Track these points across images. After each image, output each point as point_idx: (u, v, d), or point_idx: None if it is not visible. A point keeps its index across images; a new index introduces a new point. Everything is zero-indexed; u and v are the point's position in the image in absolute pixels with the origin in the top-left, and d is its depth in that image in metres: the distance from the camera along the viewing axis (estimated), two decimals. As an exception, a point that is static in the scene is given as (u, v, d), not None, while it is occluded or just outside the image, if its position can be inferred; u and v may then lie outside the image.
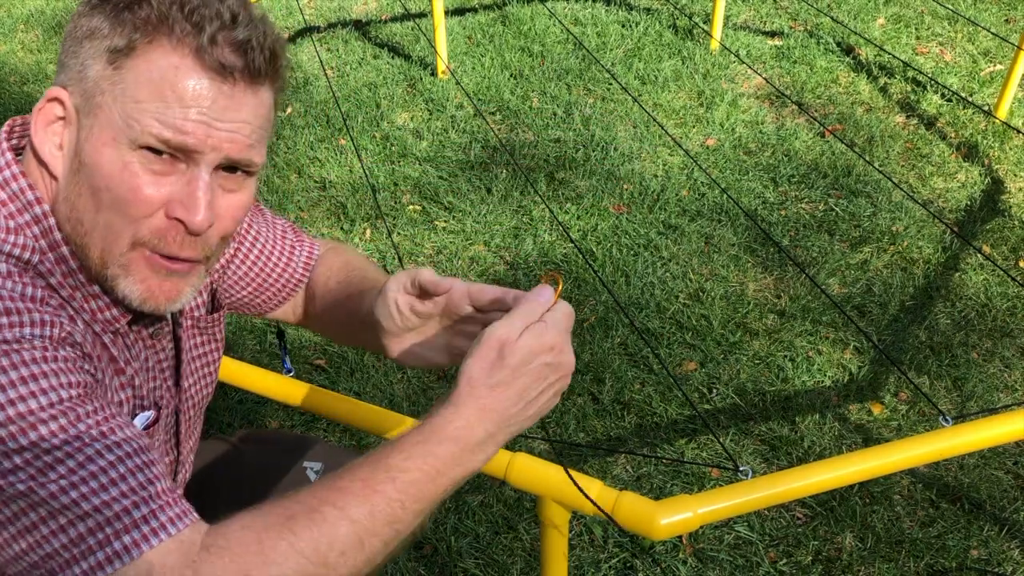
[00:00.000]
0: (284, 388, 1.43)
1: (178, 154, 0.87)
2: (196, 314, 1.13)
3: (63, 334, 0.85)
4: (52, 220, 0.90)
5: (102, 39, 0.86)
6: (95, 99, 0.87)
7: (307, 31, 4.37)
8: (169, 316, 1.07)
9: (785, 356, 2.48)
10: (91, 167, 0.87)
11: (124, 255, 0.90)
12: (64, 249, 0.91)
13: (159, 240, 0.89)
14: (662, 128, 3.44)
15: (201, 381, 1.17)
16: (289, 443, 1.49)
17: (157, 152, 0.87)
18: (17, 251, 0.88)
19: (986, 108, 3.50)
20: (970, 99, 3.57)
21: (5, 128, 0.96)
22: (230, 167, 0.91)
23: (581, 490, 1.17)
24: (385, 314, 1.03)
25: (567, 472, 1.19)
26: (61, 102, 0.89)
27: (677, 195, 3.11)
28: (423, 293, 1.01)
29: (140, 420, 1.01)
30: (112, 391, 0.95)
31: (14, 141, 0.96)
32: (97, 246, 0.89)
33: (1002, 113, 3.38)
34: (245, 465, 1.40)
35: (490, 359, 0.86)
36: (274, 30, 0.92)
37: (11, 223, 0.89)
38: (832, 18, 3.85)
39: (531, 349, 0.86)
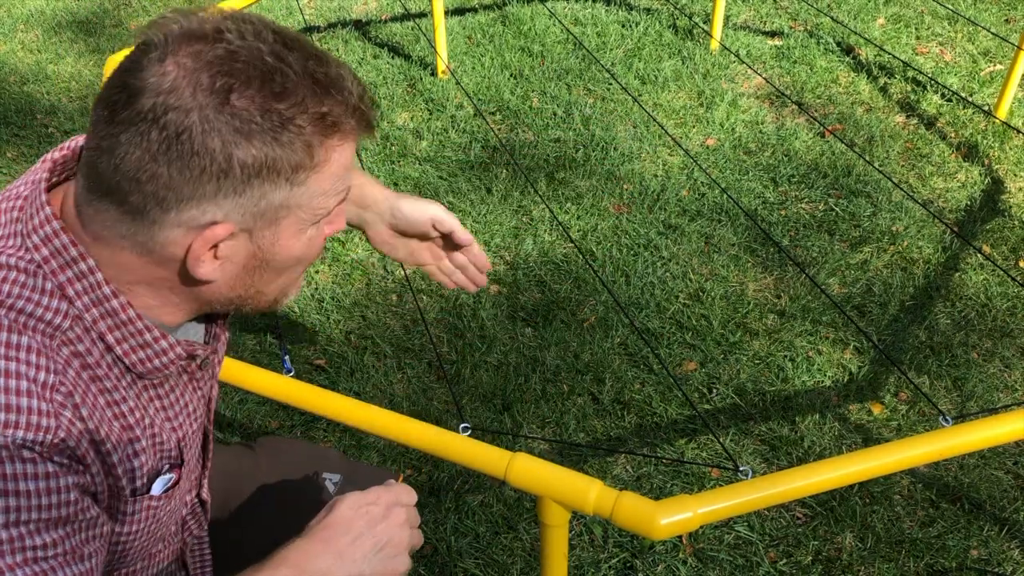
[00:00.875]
0: (284, 388, 1.43)
1: None
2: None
3: (56, 440, 0.83)
4: (100, 275, 0.87)
5: (278, 171, 0.85)
6: (279, 214, 0.88)
7: (307, 31, 4.37)
8: (202, 339, 1.06)
9: (785, 356, 2.48)
10: (281, 260, 0.92)
11: (294, 283, 0.99)
12: (116, 302, 0.88)
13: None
14: (662, 128, 3.44)
15: (216, 384, 1.17)
16: (309, 453, 1.50)
17: None
18: (49, 315, 0.86)
19: (986, 108, 3.50)
20: (970, 99, 3.57)
21: (47, 170, 0.91)
22: None
23: (581, 490, 1.17)
24: (406, 220, 1.32)
25: (567, 472, 1.19)
26: (226, 236, 0.87)
27: (677, 195, 3.11)
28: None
29: (160, 484, 0.99)
30: (121, 470, 0.93)
31: (54, 179, 0.93)
32: (274, 295, 0.97)
33: (1002, 113, 3.38)
34: (265, 472, 1.41)
35: (320, 515, 1.01)
36: None
37: (50, 283, 0.86)
38: (832, 18, 3.85)
39: (350, 502, 1.01)
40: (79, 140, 0.94)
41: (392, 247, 1.36)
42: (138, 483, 0.96)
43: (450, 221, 1.33)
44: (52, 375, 0.84)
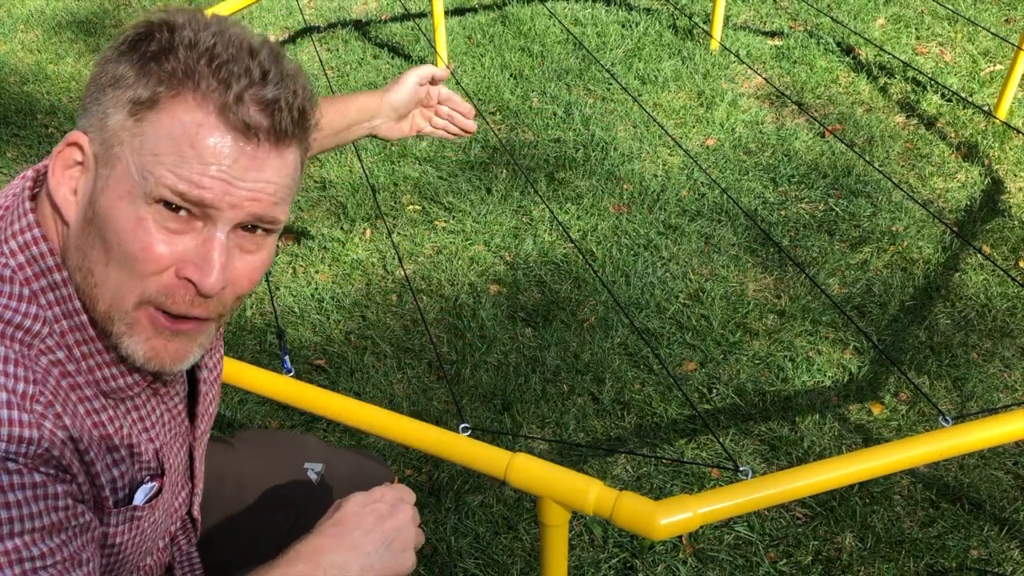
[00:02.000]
0: (284, 388, 1.43)
1: (195, 210, 0.84)
2: None
3: (40, 451, 0.82)
4: (71, 288, 0.87)
5: (126, 88, 0.84)
6: (114, 149, 0.84)
7: (307, 31, 4.37)
8: None
9: (785, 356, 2.48)
10: (104, 219, 0.84)
11: (130, 313, 0.87)
12: (84, 317, 0.88)
13: (166, 298, 0.86)
14: (662, 128, 3.44)
15: (213, 404, 1.16)
16: (289, 443, 1.49)
17: (173, 209, 0.84)
18: (28, 322, 0.85)
19: (986, 108, 3.50)
20: (970, 99, 3.57)
21: (30, 177, 0.93)
22: (250, 226, 0.88)
23: (581, 490, 1.17)
24: (403, 103, 1.54)
25: (567, 472, 1.19)
26: (80, 147, 0.87)
27: (677, 195, 3.11)
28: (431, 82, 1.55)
29: (142, 494, 0.99)
30: (104, 479, 0.93)
31: (36, 189, 0.93)
32: (105, 300, 0.87)
33: (1002, 113, 3.38)
34: (245, 465, 1.40)
35: (330, 512, 1.02)
36: (305, 86, 0.89)
37: (26, 290, 0.86)
38: (832, 18, 3.85)
39: (357, 499, 1.02)
40: None
41: (399, 130, 1.57)
42: (120, 494, 0.95)
43: (426, 69, 1.54)
44: (32, 385, 0.83)
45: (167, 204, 0.83)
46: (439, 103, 1.60)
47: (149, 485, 1.00)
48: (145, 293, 0.86)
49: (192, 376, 1.09)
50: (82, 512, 0.88)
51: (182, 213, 0.84)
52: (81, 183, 0.87)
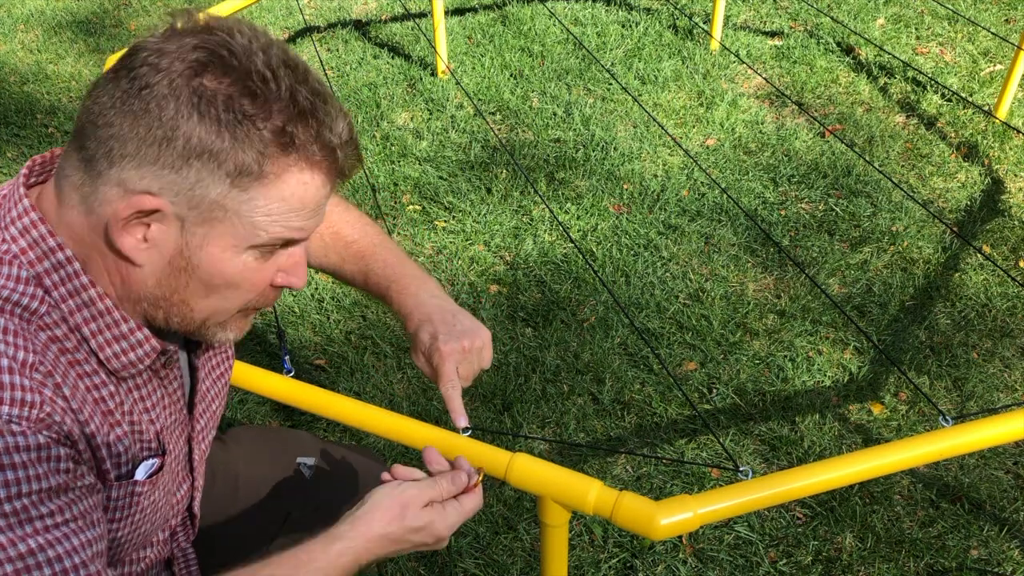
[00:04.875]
0: (284, 388, 1.43)
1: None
2: None
3: (41, 415, 0.83)
4: (77, 265, 0.89)
5: (222, 162, 0.83)
6: (214, 213, 0.86)
7: (307, 31, 4.37)
8: (180, 343, 1.06)
9: (785, 356, 2.48)
10: (209, 271, 0.89)
11: (231, 319, 0.97)
12: (93, 291, 0.90)
13: (262, 303, 0.97)
14: (662, 128, 3.44)
15: (215, 402, 1.16)
16: (281, 438, 1.49)
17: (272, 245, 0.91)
18: (26, 300, 0.86)
19: (986, 108, 3.50)
20: (970, 99, 3.57)
21: (24, 170, 0.94)
22: None
23: (581, 490, 1.17)
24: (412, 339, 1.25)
25: (567, 472, 1.19)
26: (154, 210, 0.85)
27: (677, 195, 3.11)
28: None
29: (143, 470, 1.00)
30: (105, 452, 0.94)
31: (32, 179, 0.94)
32: (203, 315, 0.94)
33: (1002, 113, 3.38)
34: (238, 460, 1.40)
35: (393, 513, 1.01)
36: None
37: (26, 272, 0.87)
38: (832, 18, 3.85)
39: (424, 526, 1.02)
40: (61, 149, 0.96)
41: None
42: (122, 468, 0.97)
43: (448, 399, 1.21)
44: (31, 354, 0.85)
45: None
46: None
47: (151, 461, 1.01)
48: (246, 305, 0.96)
49: (193, 368, 1.10)
50: (84, 474, 0.89)
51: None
52: (153, 231, 0.87)
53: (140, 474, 0.99)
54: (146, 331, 0.94)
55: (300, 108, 0.85)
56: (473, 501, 1.07)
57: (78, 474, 0.87)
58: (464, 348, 1.19)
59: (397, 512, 1.01)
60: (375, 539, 1.00)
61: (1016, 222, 2.93)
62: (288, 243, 0.93)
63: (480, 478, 1.09)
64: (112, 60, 3.19)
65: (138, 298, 0.92)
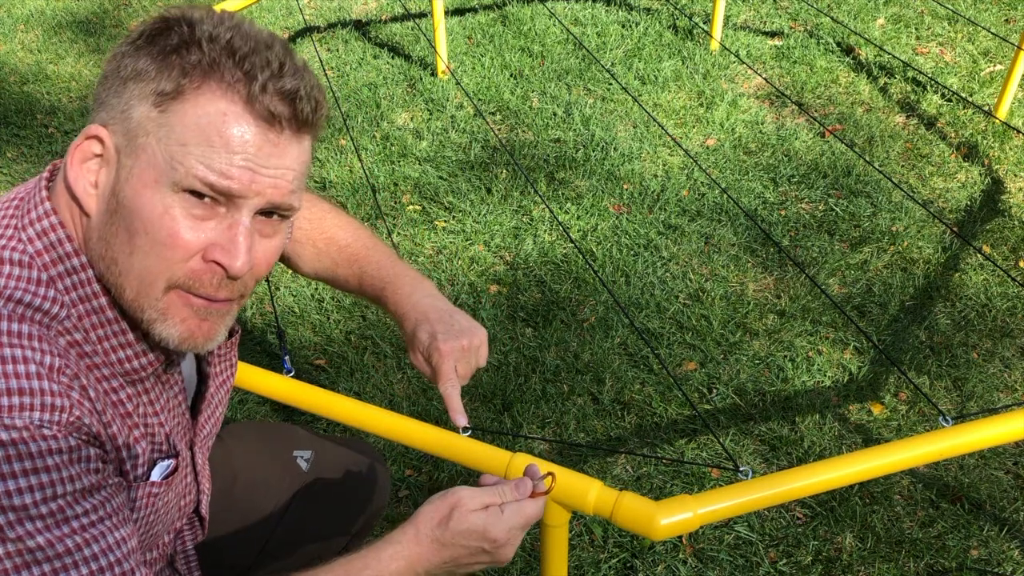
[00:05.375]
0: (284, 388, 1.43)
1: (220, 198, 0.87)
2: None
3: (71, 418, 0.84)
4: (91, 271, 0.90)
5: (148, 81, 0.86)
6: (138, 140, 0.86)
7: (307, 31, 4.37)
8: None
9: (785, 356, 2.48)
10: (130, 209, 0.87)
11: (160, 299, 0.89)
12: (103, 299, 0.91)
13: (195, 282, 0.89)
14: (662, 128, 3.44)
15: (219, 408, 1.17)
16: (277, 432, 1.49)
17: (199, 196, 0.86)
18: (47, 304, 0.88)
19: (986, 108, 3.50)
20: (970, 99, 3.57)
21: (46, 172, 0.95)
22: (267, 211, 0.92)
23: (581, 490, 1.17)
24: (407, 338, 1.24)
25: (567, 472, 1.19)
26: (100, 140, 0.88)
27: (677, 195, 3.11)
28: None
29: (159, 471, 1.01)
30: (126, 454, 0.95)
31: (52, 181, 0.95)
32: (132, 287, 0.89)
33: (1002, 113, 3.38)
34: (235, 455, 1.40)
35: (442, 514, 0.97)
36: (316, 79, 0.93)
37: (44, 275, 0.88)
38: (832, 18, 3.85)
39: (476, 528, 0.96)
40: None
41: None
42: (140, 470, 0.98)
43: (447, 399, 1.20)
44: (57, 358, 0.86)
45: (193, 192, 0.86)
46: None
47: (166, 463, 1.02)
48: (173, 279, 0.89)
49: (203, 374, 1.11)
50: (112, 473, 0.90)
51: (206, 200, 0.87)
52: (102, 175, 0.89)
53: (156, 475, 1.01)
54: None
55: (233, 46, 0.86)
56: (534, 506, 1.01)
57: (107, 473, 0.89)
58: (463, 347, 1.19)
59: (445, 513, 0.97)
60: (425, 543, 0.97)
61: (1016, 222, 2.93)
62: (221, 197, 0.87)
63: (550, 484, 1.03)
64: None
65: (98, 263, 0.90)
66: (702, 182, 3.18)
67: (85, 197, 0.89)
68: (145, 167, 0.86)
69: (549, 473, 1.05)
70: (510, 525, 0.98)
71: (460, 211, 3.07)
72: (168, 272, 0.88)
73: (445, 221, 3.05)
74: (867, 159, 3.26)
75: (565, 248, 2.91)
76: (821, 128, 3.41)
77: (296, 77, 0.88)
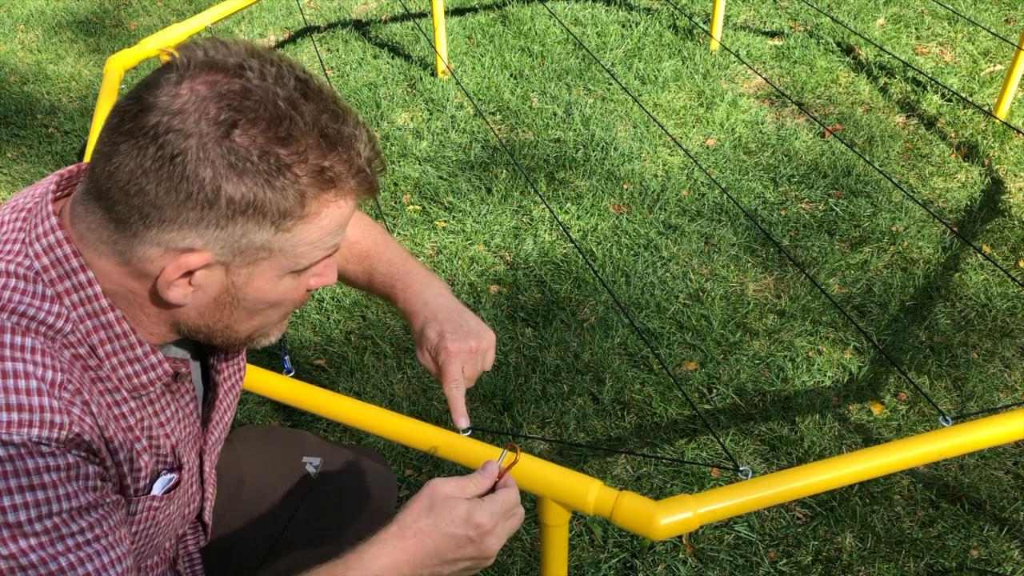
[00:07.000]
0: (284, 388, 1.43)
1: None
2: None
3: (71, 435, 0.84)
4: (98, 287, 0.89)
5: (266, 212, 0.85)
6: (259, 255, 0.89)
7: (307, 31, 4.37)
8: (190, 358, 1.07)
9: (785, 356, 2.48)
10: (254, 299, 0.93)
11: (273, 327, 1.01)
12: (112, 315, 0.90)
13: (299, 305, 1.01)
14: (662, 128, 3.44)
15: (228, 413, 1.17)
16: (287, 438, 1.49)
17: None
18: (51, 319, 0.87)
19: (986, 108, 3.50)
20: (970, 99, 3.57)
21: (53, 185, 0.93)
22: None
23: (581, 490, 1.17)
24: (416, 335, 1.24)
25: (567, 472, 1.19)
26: (204, 264, 0.87)
27: (677, 195, 3.11)
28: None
29: (160, 484, 1.01)
30: (127, 468, 0.95)
31: (59, 194, 0.94)
32: (247, 333, 0.98)
33: (1002, 113, 3.38)
34: (244, 460, 1.40)
35: (422, 505, 0.96)
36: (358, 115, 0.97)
37: (50, 291, 0.88)
38: (832, 18, 3.85)
39: (460, 514, 0.95)
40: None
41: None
42: (141, 483, 0.97)
43: (451, 402, 1.19)
44: (59, 373, 0.86)
45: None
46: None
47: (167, 476, 1.02)
48: (286, 313, 1.01)
49: (211, 381, 1.11)
50: (111, 491, 0.90)
51: None
52: (199, 278, 0.89)
53: (157, 488, 1.01)
54: (160, 355, 0.95)
55: (329, 140, 0.86)
56: (510, 492, 1.00)
57: (106, 491, 0.89)
58: (471, 348, 1.18)
59: (426, 504, 0.96)
60: (409, 536, 0.95)
61: (1016, 222, 2.93)
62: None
63: (514, 458, 1.03)
64: (112, 61, 3.17)
65: (175, 324, 0.94)
66: (702, 182, 3.18)
67: (181, 300, 0.90)
68: (267, 270, 0.90)
69: (509, 446, 1.06)
70: (492, 510, 0.97)
71: (460, 211, 3.07)
72: (284, 314, 1.00)
73: (445, 221, 3.05)
74: (867, 159, 3.26)
75: (565, 248, 2.91)
76: (821, 128, 3.41)
77: (373, 140, 0.92)
